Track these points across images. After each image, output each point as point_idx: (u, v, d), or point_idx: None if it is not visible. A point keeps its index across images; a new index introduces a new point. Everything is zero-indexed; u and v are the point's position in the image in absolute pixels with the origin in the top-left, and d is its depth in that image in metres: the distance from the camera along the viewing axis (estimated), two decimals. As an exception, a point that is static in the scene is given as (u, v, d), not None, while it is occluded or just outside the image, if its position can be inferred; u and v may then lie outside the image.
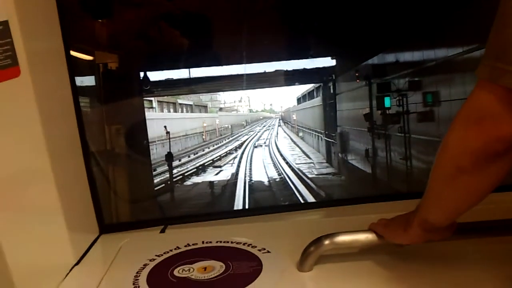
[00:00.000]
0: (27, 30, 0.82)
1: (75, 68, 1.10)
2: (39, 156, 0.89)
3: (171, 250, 0.95)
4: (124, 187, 1.42)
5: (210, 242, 0.98)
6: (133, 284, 0.82)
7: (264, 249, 0.93)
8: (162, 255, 0.93)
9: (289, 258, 0.87)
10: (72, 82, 1.05)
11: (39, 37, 0.91)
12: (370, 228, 0.83)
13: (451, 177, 0.63)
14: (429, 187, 0.69)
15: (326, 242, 0.83)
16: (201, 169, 6.76)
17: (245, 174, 6.58)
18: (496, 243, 0.85)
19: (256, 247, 0.94)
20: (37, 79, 0.85)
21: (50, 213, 0.91)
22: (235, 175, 6.46)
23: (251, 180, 6.40)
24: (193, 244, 0.98)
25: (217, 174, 6.71)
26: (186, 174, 6.31)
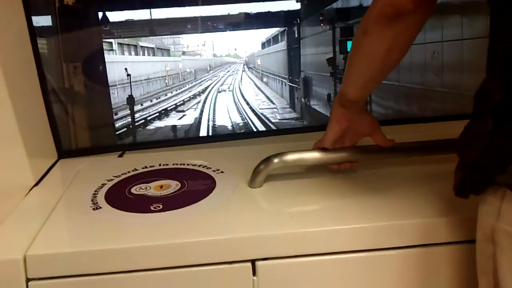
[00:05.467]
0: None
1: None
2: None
3: (128, 172, 0.99)
4: (82, 114, 1.43)
5: (167, 164, 1.03)
6: (92, 200, 0.87)
7: (218, 169, 0.98)
8: (120, 176, 0.97)
9: (241, 177, 0.93)
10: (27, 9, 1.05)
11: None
12: (314, 147, 0.89)
13: (358, 42, 0.74)
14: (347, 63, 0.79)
15: (275, 160, 0.89)
16: (164, 113, 6.71)
17: (208, 118, 6.58)
18: (428, 163, 0.94)
19: (210, 168, 1.00)
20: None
21: (8, 136, 0.94)
22: (198, 120, 6.45)
23: (215, 124, 6.42)
24: (150, 166, 1.02)
25: (180, 118, 6.68)
26: (148, 118, 6.25)
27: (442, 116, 1.37)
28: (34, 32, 1.05)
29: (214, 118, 6.97)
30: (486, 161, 0.59)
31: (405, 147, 0.91)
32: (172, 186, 0.91)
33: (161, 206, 0.83)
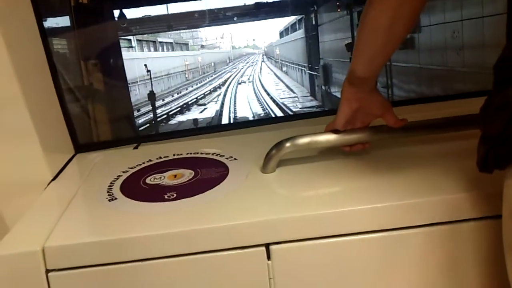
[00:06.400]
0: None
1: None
2: (8, 82, 0.92)
3: (143, 163, 1.00)
4: (100, 110, 1.45)
5: (181, 154, 1.04)
6: (107, 192, 0.88)
7: (232, 157, 0.98)
8: (134, 167, 0.99)
9: (254, 163, 0.93)
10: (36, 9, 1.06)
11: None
12: (326, 129, 0.88)
13: (364, 14, 0.72)
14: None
15: (287, 144, 0.88)
16: (185, 107, 6.76)
17: (230, 110, 6.61)
18: (445, 141, 0.91)
19: (224, 156, 1.00)
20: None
21: (24, 134, 0.95)
22: (219, 112, 6.49)
23: (236, 116, 6.44)
24: (164, 157, 1.03)
25: (201, 112, 6.73)
26: (170, 113, 6.31)
27: (463, 93, 1.33)
28: (45, 31, 1.07)
29: (235, 110, 6.99)
30: (510, 134, 0.56)
31: (418, 126, 0.88)
32: (185, 175, 0.91)
33: (175, 195, 0.83)
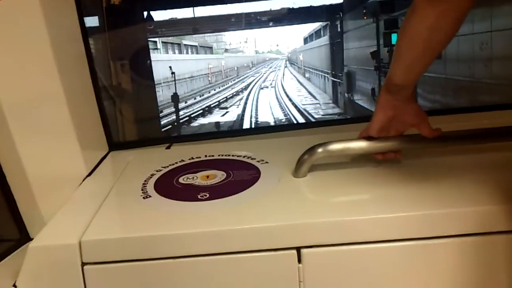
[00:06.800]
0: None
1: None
2: (51, 80, 0.95)
3: (176, 163, 1.02)
4: (130, 109, 1.48)
5: (213, 155, 1.05)
6: (142, 190, 0.90)
7: (263, 160, 1.00)
8: (167, 166, 1.01)
9: (286, 167, 0.94)
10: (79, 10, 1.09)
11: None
12: (359, 136, 0.89)
13: (405, 21, 0.73)
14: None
15: (319, 150, 0.89)
16: (208, 110, 6.79)
17: (251, 115, 6.61)
18: (479, 152, 0.91)
19: (255, 159, 1.01)
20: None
21: (63, 131, 0.98)
22: (241, 116, 6.50)
23: (257, 121, 6.44)
24: (196, 158, 1.05)
25: (223, 115, 6.75)
26: (192, 115, 6.35)
27: (492, 105, 1.32)
28: (86, 32, 1.10)
29: (256, 115, 7.00)
30: None
31: (453, 136, 0.88)
32: (218, 176, 0.93)
33: (208, 195, 0.85)
